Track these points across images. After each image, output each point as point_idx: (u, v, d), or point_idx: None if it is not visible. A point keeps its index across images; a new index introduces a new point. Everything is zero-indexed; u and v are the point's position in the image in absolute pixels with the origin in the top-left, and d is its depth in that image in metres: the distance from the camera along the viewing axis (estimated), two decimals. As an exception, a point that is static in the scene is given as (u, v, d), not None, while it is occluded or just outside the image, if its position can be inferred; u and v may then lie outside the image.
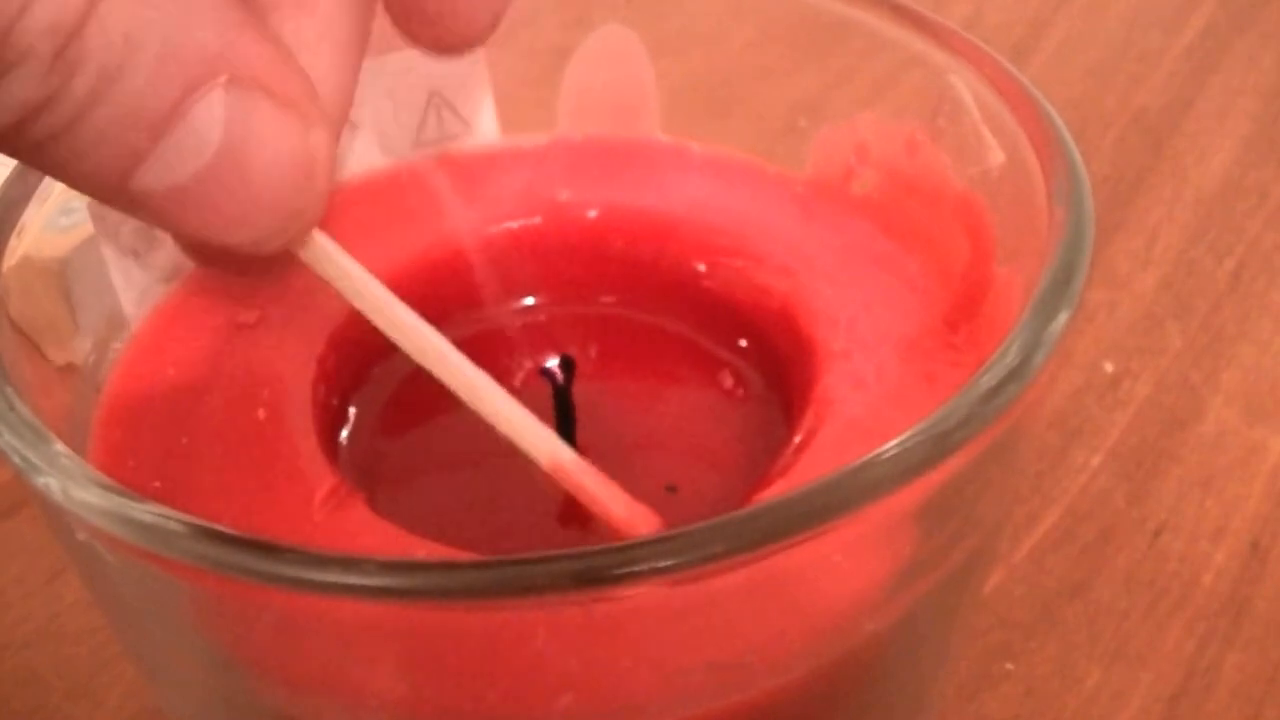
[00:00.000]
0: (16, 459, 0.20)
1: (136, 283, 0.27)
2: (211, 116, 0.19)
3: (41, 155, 0.18)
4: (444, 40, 0.24)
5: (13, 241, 0.24)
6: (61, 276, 0.25)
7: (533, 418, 0.22)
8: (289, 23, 0.22)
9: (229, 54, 0.19)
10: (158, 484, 0.24)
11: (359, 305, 0.22)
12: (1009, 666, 0.34)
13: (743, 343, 0.28)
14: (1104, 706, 0.34)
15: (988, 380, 0.20)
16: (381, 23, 0.25)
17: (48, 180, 0.25)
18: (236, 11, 0.19)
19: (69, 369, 0.25)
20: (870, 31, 0.28)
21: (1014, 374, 0.20)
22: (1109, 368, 0.42)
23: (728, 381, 0.28)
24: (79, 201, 0.25)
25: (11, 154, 0.19)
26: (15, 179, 0.25)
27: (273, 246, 0.20)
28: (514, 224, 0.29)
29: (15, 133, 0.18)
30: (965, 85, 0.26)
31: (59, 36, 0.17)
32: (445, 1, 0.23)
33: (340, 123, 0.23)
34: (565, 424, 0.26)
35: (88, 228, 0.25)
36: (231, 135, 0.19)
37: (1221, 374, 0.42)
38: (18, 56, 0.17)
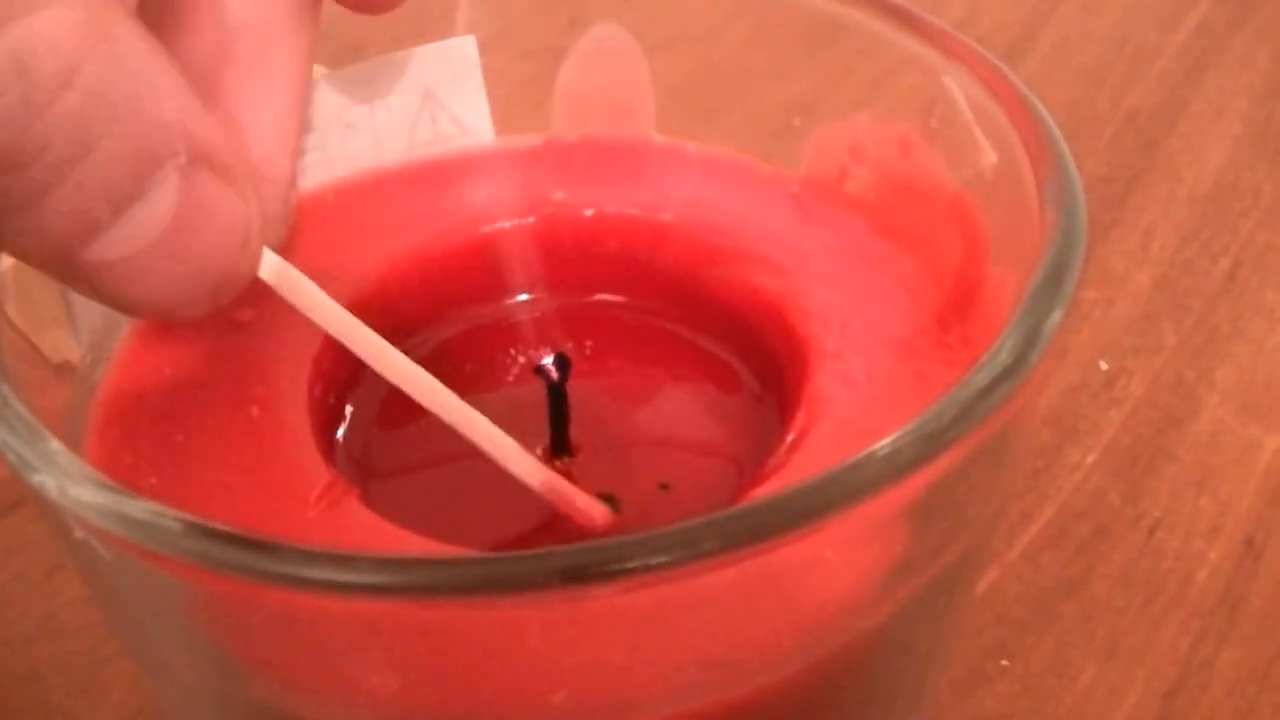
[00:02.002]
0: (13, 457, 0.20)
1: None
2: (168, 192, 0.19)
3: (4, 220, 0.18)
4: None
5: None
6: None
7: (514, 449, 0.23)
8: (234, 90, 0.23)
9: (186, 132, 0.19)
10: (154, 481, 0.24)
11: (323, 325, 0.23)
12: (1005, 663, 0.34)
13: (736, 341, 0.28)
14: (1100, 703, 0.34)
15: (980, 379, 0.20)
16: (373, 23, 0.25)
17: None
18: (188, 88, 0.20)
19: (65, 368, 0.25)
20: (864, 32, 0.28)
21: (1006, 373, 0.20)
22: (1104, 366, 0.42)
23: (721, 380, 0.28)
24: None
25: None
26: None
27: (204, 310, 0.21)
28: (508, 223, 0.29)
29: None
30: (958, 86, 0.26)
31: (29, 83, 0.17)
32: None
33: (286, 182, 0.24)
34: (559, 421, 0.26)
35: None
36: (182, 210, 0.19)
37: (1216, 372, 0.42)
38: None
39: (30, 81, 0.17)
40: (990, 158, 0.25)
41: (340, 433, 0.27)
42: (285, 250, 0.28)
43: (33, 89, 0.17)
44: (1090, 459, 0.39)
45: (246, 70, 0.23)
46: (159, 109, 0.19)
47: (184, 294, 0.20)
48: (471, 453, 0.24)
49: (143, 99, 0.19)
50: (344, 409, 0.27)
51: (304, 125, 0.24)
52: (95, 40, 0.18)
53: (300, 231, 0.28)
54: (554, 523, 0.25)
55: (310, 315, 0.23)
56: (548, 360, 0.26)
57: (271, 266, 0.22)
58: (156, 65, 0.19)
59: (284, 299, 0.23)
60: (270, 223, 0.23)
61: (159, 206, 0.19)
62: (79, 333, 0.26)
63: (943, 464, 0.19)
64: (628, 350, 0.29)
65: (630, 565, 0.18)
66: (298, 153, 0.24)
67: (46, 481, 0.19)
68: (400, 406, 0.27)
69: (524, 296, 0.29)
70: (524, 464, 0.23)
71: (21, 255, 0.20)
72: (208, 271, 0.20)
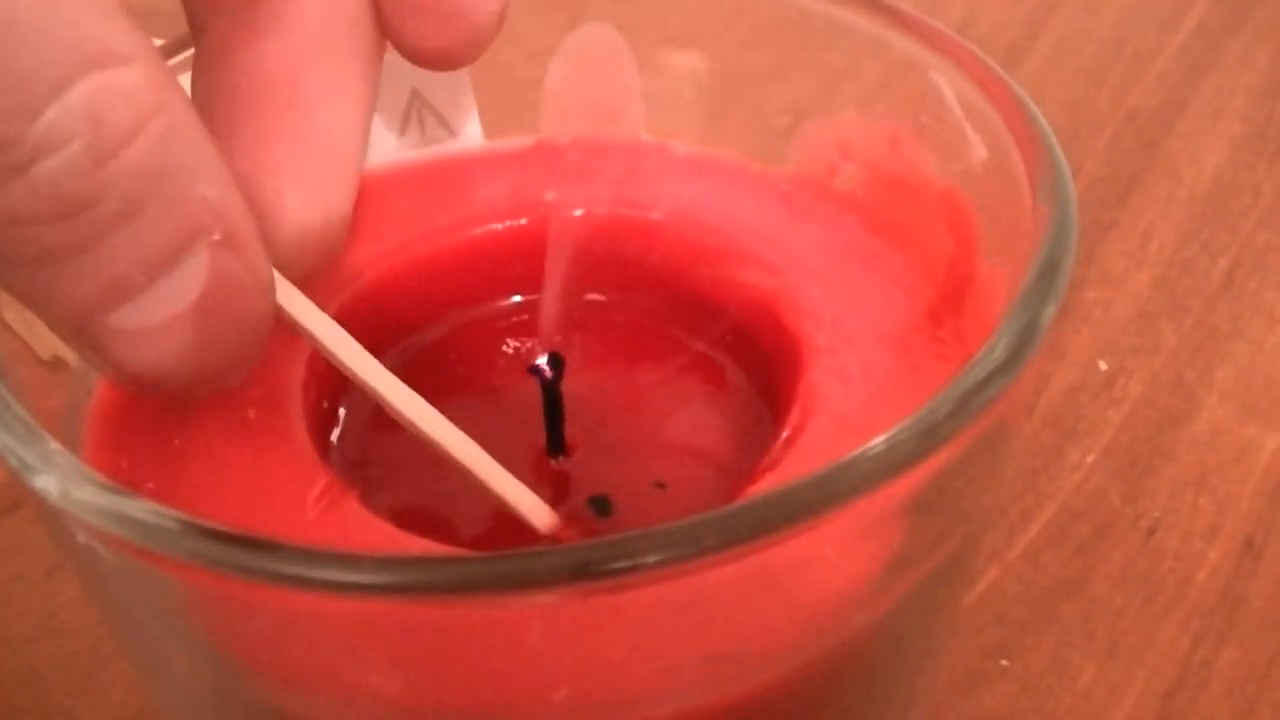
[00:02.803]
0: (13, 460, 0.20)
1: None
2: (199, 267, 0.20)
3: (36, 273, 0.19)
4: (443, 41, 0.24)
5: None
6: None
7: (521, 491, 0.23)
8: (326, 109, 0.23)
9: (223, 209, 0.20)
10: (151, 485, 0.24)
11: (326, 352, 0.23)
12: (1005, 663, 0.34)
13: (729, 339, 0.28)
14: (1099, 703, 0.34)
15: (975, 375, 0.20)
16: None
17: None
18: (227, 167, 0.20)
19: (61, 368, 0.25)
20: (853, 29, 0.28)
21: (1001, 368, 0.20)
22: (1103, 366, 0.42)
23: (714, 378, 0.28)
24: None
25: (15, 263, 0.19)
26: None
27: (210, 388, 0.21)
28: (499, 225, 0.29)
29: (29, 233, 0.18)
30: (948, 82, 0.26)
31: (101, 131, 0.18)
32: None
33: (353, 186, 0.25)
34: (554, 420, 0.26)
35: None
36: (209, 288, 0.20)
37: (1215, 372, 0.42)
38: (58, 138, 0.17)
39: (100, 131, 0.18)
40: (980, 153, 0.25)
41: (335, 435, 0.27)
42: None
43: (101, 138, 0.18)
44: (1090, 459, 0.39)
45: (327, 81, 0.24)
46: (203, 182, 0.19)
47: (191, 369, 0.20)
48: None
49: (191, 170, 0.19)
50: (338, 411, 0.27)
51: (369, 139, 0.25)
52: (159, 102, 0.18)
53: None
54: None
55: (309, 336, 0.23)
56: (542, 360, 0.26)
57: (289, 299, 0.23)
58: (204, 139, 0.20)
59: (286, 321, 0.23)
60: (339, 225, 0.24)
61: (188, 281, 0.19)
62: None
63: (939, 459, 0.19)
64: (620, 350, 0.29)
65: (631, 563, 0.18)
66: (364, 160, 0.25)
67: (46, 483, 0.19)
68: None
69: (516, 298, 0.29)
70: (531, 506, 0.24)
71: (42, 311, 0.20)
72: (220, 350, 0.21)
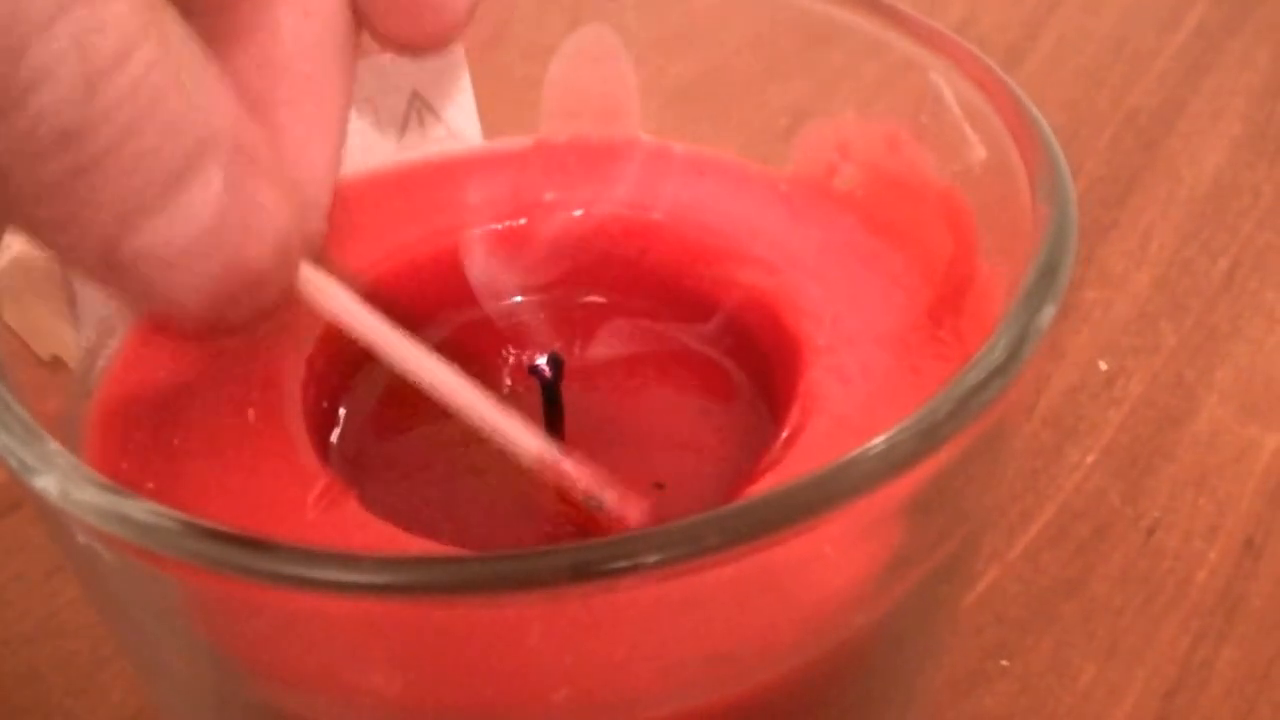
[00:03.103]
0: (13, 460, 0.20)
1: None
2: (213, 184, 0.20)
3: (57, 198, 0.19)
4: (418, 34, 0.25)
5: (7, 239, 0.24)
6: (64, 278, 0.26)
7: (516, 417, 0.23)
8: (285, 112, 0.24)
9: (230, 129, 0.20)
10: (151, 485, 0.24)
11: (343, 324, 0.23)
12: (1005, 663, 0.34)
13: (728, 339, 0.28)
14: (1099, 703, 0.34)
15: (974, 375, 0.20)
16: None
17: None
18: (232, 91, 0.20)
19: (61, 369, 0.25)
20: (852, 29, 0.28)
21: (1000, 369, 0.20)
22: (1103, 366, 0.42)
23: (714, 378, 0.28)
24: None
25: (28, 198, 0.19)
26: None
27: (240, 319, 0.21)
28: (498, 225, 0.29)
29: (37, 168, 0.18)
30: (947, 82, 0.26)
31: (89, 62, 0.18)
32: None
33: (325, 206, 0.24)
34: (554, 421, 0.26)
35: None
36: (226, 207, 0.20)
37: (1215, 372, 0.42)
38: (47, 72, 0.18)
39: (88, 61, 0.18)
40: (980, 153, 0.25)
41: (334, 436, 0.27)
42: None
43: (89, 68, 0.18)
44: (1090, 459, 0.39)
45: (298, 94, 0.24)
46: (203, 101, 0.19)
47: (222, 296, 0.20)
48: (465, 454, 0.24)
49: (188, 91, 0.19)
50: (337, 412, 0.27)
51: (343, 154, 0.25)
52: (147, 28, 0.19)
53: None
54: (550, 521, 0.25)
55: (341, 321, 0.23)
56: (541, 360, 0.26)
57: (309, 278, 0.23)
58: (201, 61, 0.20)
59: (315, 308, 0.23)
60: (310, 243, 0.24)
61: (204, 199, 0.19)
62: (79, 333, 0.26)
63: (939, 459, 0.19)
64: (620, 350, 0.29)
65: (631, 563, 0.18)
66: (336, 177, 0.25)
67: (46, 484, 0.19)
68: (394, 410, 0.27)
69: (516, 298, 0.29)
70: (570, 470, 0.23)
71: (66, 250, 0.20)
72: (247, 275, 0.20)
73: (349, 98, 0.25)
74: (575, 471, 0.23)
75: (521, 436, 0.23)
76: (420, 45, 0.25)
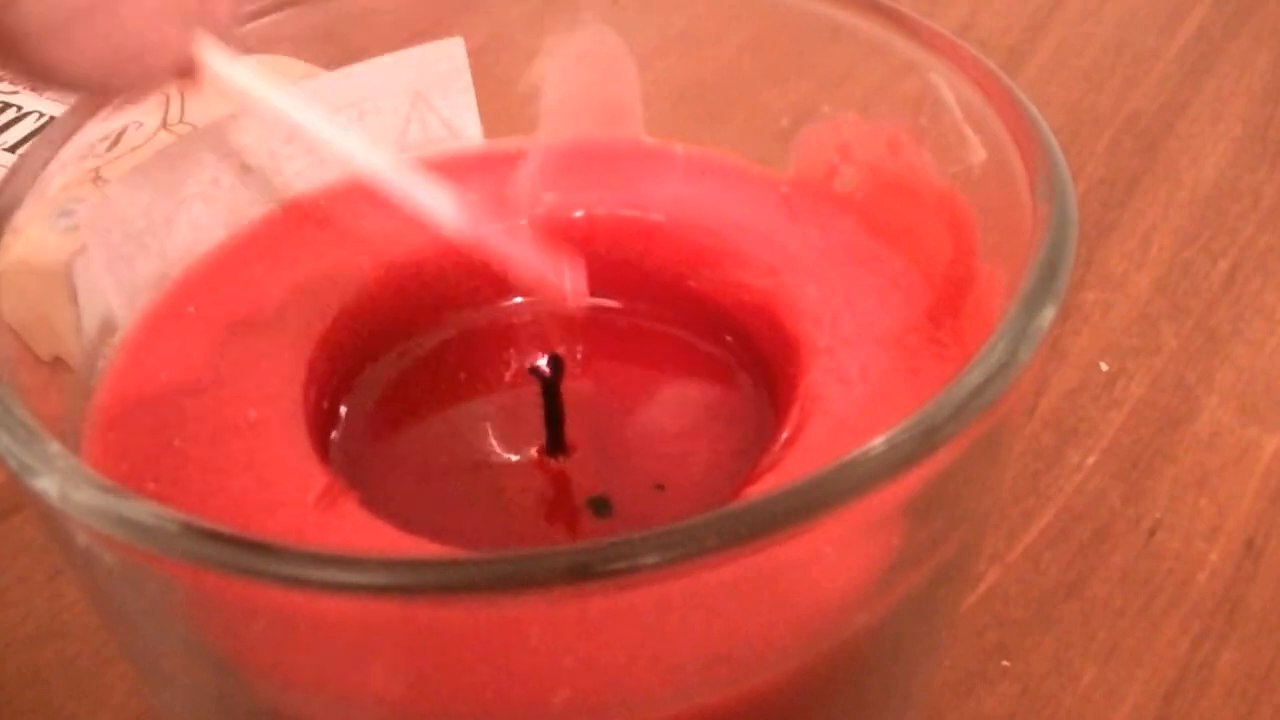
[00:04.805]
0: (13, 462, 0.20)
1: (127, 286, 0.27)
2: None
3: None
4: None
5: (7, 240, 0.24)
6: (66, 278, 0.26)
7: (440, 186, 0.23)
8: None
9: None
10: (151, 486, 0.24)
11: (251, 100, 0.23)
12: (1005, 664, 0.34)
13: (729, 340, 0.28)
14: (1099, 704, 0.34)
15: (975, 376, 0.20)
16: (361, 33, 0.25)
17: (43, 182, 0.25)
18: None
19: (61, 370, 0.25)
20: (852, 32, 0.28)
21: (1001, 369, 0.20)
22: (1104, 368, 0.42)
23: (714, 379, 0.28)
24: (75, 205, 0.25)
25: None
26: (9, 181, 0.25)
27: (125, 85, 0.21)
28: (499, 227, 0.29)
29: None
30: (947, 84, 0.26)
31: None
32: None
33: None
34: (554, 420, 0.26)
35: (81, 231, 0.26)
36: None
37: (1216, 374, 0.42)
38: None
39: None
40: (979, 155, 0.25)
41: (334, 436, 0.27)
42: (277, 253, 0.28)
43: None
44: (1090, 460, 0.39)
45: None
46: None
47: (108, 64, 0.20)
48: (464, 455, 0.24)
49: None
50: (338, 412, 0.27)
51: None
52: None
53: (292, 235, 0.29)
54: (549, 521, 0.25)
55: (249, 97, 0.23)
56: (542, 361, 0.26)
57: (212, 54, 0.22)
58: None
59: (219, 86, 0.22)
60: (213, 18, 0.23)
61: None
62: (80, 333, 0.26)
63: (939, 460, 0.19)
64: (621, 352, 0.29)
65: (631, 564, 0.18)
66: None
67: (47, 485, 0.19)
68: (393, 410, 0.27)
69: (517, 299, 0.29)
70: (494, 239, 0.23)
71: None
72: (131, 43, 0.20)
73: None
74: (499, 240, 0.23)
75: (444, 206, 0.23)
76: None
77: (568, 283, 0.23)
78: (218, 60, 0.22)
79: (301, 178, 0.29)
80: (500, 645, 0.20)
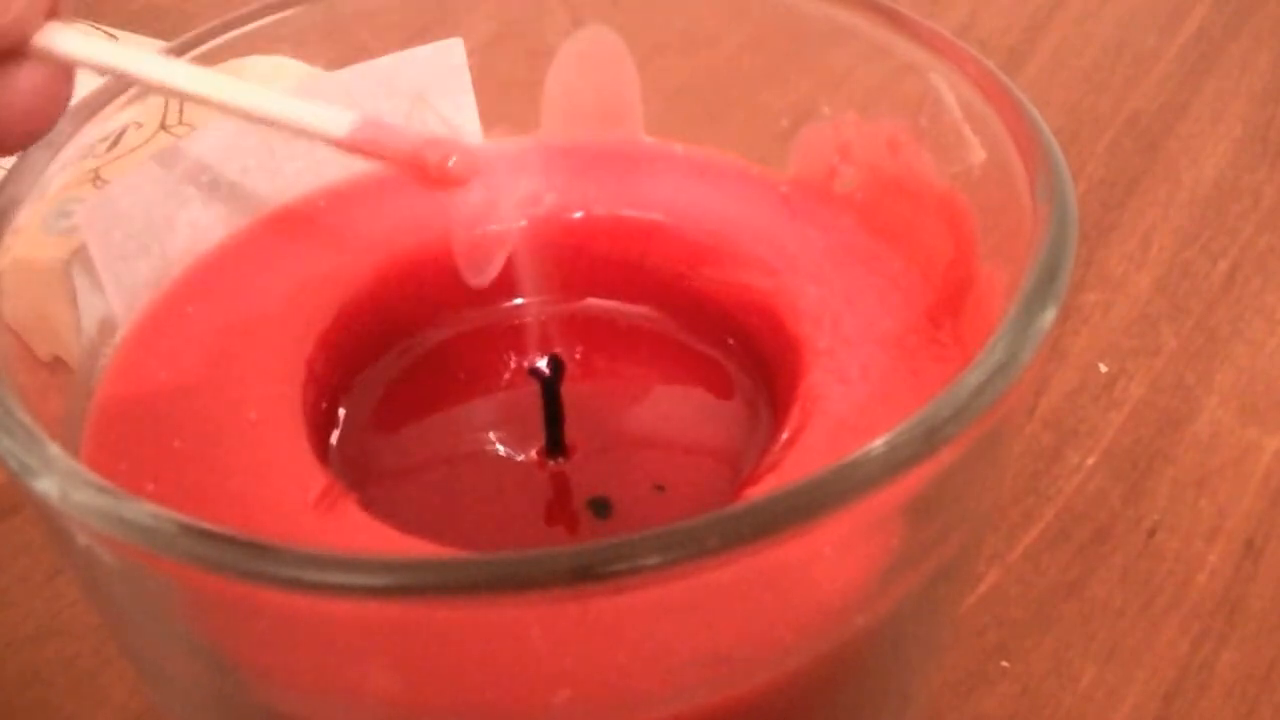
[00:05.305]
0: (13, 462, 0.20)
1: (126, 286, 0.27)
2: None
3: None
4: None
5: (7, 240, 0.24)
6: (66, 278, 0.26)
7: (317, 103, 0.22)
8: None
9: None
10: (151, 487, 0.24)
11: (106, 69, 0.23)
12: (1005, 665, 0.34)
13: (729, 341, 0.28)
14: (1099, 705, 0.34)
15: (975, 376, 0.20)
16: (361, 33, 0.25)
17: (43, 182, 0.25)
18: None
19: (61, 370, 0.25)
20: (853, 31, 0.28)
21: (1001, 370, 0.20)
22: (1104, 369, 0.42)
23: (714, 380, 0.28)
24: (75, 205, 0.25)
25: None
26: (9, 182, 0.25)
27: None
28: (499, 227, 0.29)
29: None
30: (947, 85, 0.26)
31: None
32: None
33: None
34: (553, 420, 0.26)
35: (81, 231, 0.26)
36: None
37: (1215, 375, 0.42)
38: None
39: None
40: (979, 155, 0.25)
41: (334, 437, 0.27)
42: (276, 254, 0.28)
43: None
44: (1090, 461, 0.39)
45: None
46: None
47: None
48: (463, 456, 0.24)
49: None
50: (337, 413, 0.27)
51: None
52: None
53: (293, 236, 0.29)
54: (548, 522, 0.25)
55: (104, 67, 0.22)
56: (541, 362, 0.26)
57: (58, 34, 0.22)
58: None
59: (70, 61, 0.22)
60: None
61: None
62: (79, 334, 0.26)
63: (939, 460, 0.19)
64: (620, 352, 0.29)
65: (631, 564, 0.18)
66: None
67: (46, 486, 0.19)
68: (393, 411, 0.27)
69: (517, 300, 0.29)
70: (384, 137, 0.23)
71: None
72: None
73: None
74: (390, 137, 0.22)
75: (327, 119, 0.22)
76: None
77: (452, 161, 0.23)
78: (66, 39, 0.22)
79: (301, 178, 0.29)
80: (500, 646, 0.20)
